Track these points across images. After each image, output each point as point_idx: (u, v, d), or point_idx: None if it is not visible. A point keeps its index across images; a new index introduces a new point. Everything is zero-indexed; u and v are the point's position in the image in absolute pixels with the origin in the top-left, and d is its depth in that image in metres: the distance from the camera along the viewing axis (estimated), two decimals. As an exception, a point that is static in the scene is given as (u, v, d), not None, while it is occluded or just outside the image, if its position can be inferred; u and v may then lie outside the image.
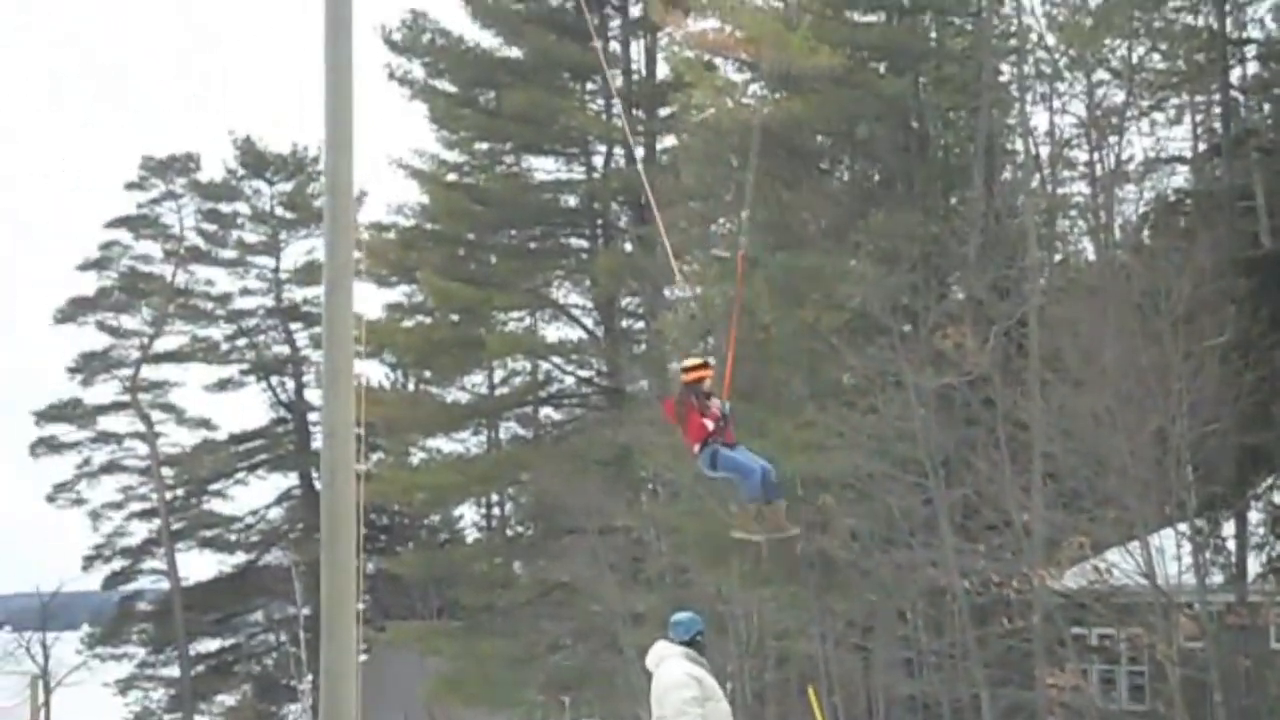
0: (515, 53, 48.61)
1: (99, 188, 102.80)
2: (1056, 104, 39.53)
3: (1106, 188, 39.66)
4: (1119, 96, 39.38)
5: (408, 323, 52.65)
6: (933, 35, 41.09)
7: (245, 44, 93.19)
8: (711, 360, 15.13)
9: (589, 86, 49.71)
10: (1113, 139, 39.40)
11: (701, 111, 41.24)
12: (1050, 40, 39.46)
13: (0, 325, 76.03)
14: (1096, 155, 39.94)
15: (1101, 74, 39.28)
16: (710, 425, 14.03)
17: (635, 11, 47.92)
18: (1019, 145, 39.56)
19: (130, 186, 69.30)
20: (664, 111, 48.04)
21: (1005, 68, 39.98)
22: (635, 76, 48.96)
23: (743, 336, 39.70)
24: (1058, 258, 41.06)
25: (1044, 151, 39.87)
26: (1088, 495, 31.83)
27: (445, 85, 49.89)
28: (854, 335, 36.46)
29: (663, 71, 47.96)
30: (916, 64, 39.93)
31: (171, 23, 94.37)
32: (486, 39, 49.01)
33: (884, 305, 35.25)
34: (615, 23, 49.13)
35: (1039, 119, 39.73)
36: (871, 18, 41.36)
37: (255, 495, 70.27)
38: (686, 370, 14.49)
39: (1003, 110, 39.87)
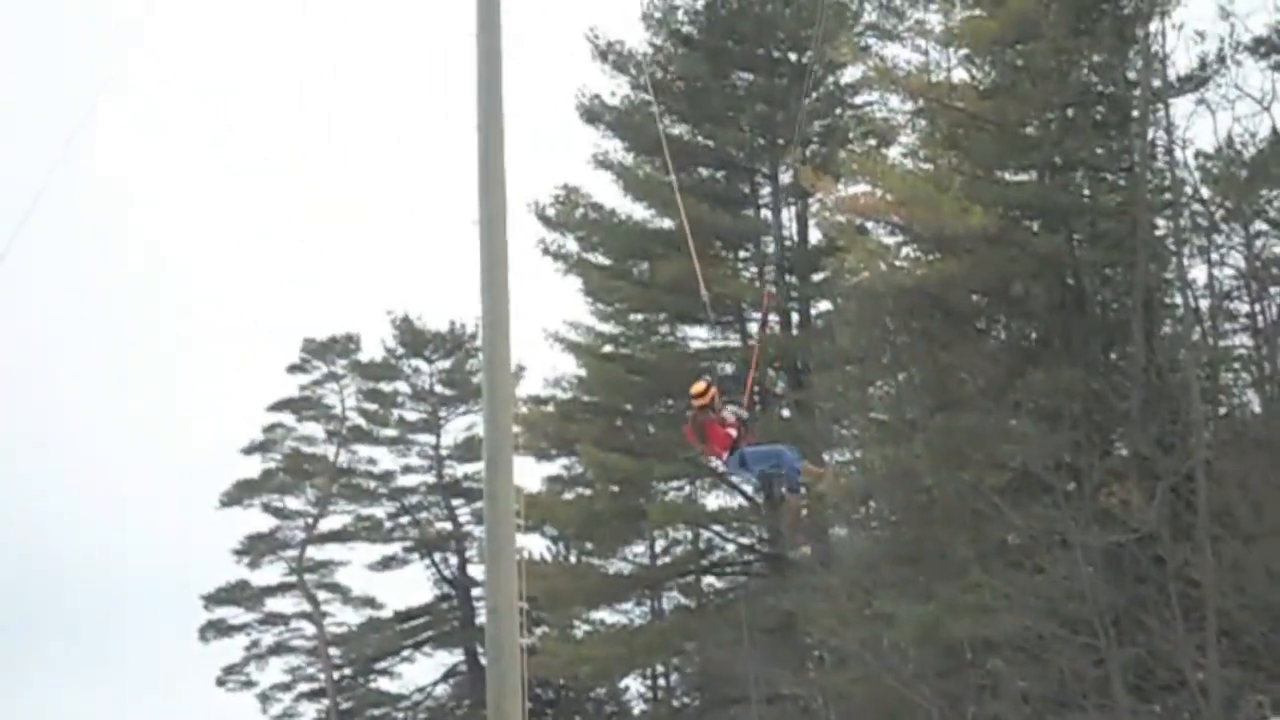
0: (667, 224, 49.11)
1: (261, 370, 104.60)
2: (1215, 256, 39.08)
3: (1270, 339, 39.00)
4: (1278, 247, 38.90)
5: (568, 495, 52.85)
6: (1085, 192, 40.88)
7: (400, 222, 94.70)
8: (710, 379, 16.75)
9: (741, 254, 50.07)
10: (1274, 289, 38.82)
11: (855, 275, 41.33)
12: (1205, 193, 39.12)
13: (167, 510, 77.19)
14: (1258, 306, 39.35)
15: (1259, 224, 38.85)
16: (733, 433, 15.68)
17: (785, 179, 48.28)
18: (1178, 299, 39.08)
19: (292, 369, 70.71)
20: (817, 276, 48.19)
21: (1161, 222, 39.63)
22: (788, 243, 49.21)
23: (905, 500, 39.61)
24: (1222, 411, 40.31)
25: (1203, 304, 39.35)
26: (1265, 652, 30.98)
27: (599, 258, 50.46)
28: (1017, 495, 36.00)
29: (815, 237, 48.22)
30: (1070, 221, 39.74)
31: (323, 201, 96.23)
32: (638, 211, 49.64)
33: (1047, 464, 34.83)
34: (765, 190, 49.56)
35: (1197, 272, 39.30)
36: (1023, 176, 41.29)
37: (421, 673, 70.47)
38: (696, 395, 16.14)
39: (1160, 264, 39.45)
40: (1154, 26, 39.03)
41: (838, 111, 49.06)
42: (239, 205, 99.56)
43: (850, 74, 47.74)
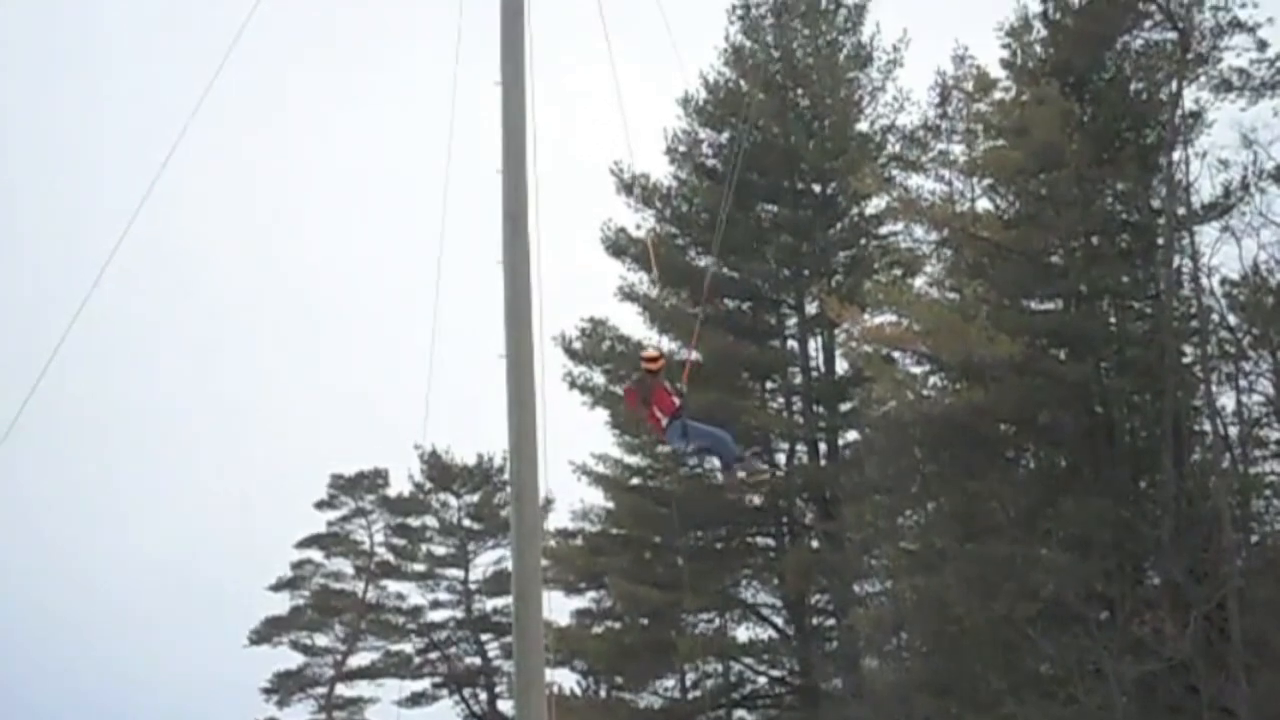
0: (693, 355, 49.15)
1: (289, 506, 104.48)
2: (1243, 383, 39.08)
3: (1300, 466, 38.92)
4: (1306, 373, 38.86)
5: (597, 629, 52.52)
6: (1112, 320, 40.96)
7: (427, 356, 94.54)
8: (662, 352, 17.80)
9: (769, 385, 50.12)
10: (1303, 416, 38.76)
11: (883, 405, 41.33)
12: (1232, 320, 39.18)
13: (195, 648, 76.88)
14: (1287, 433, 39.26)
15: (1287, 351, 38.83)
16: (677, 401, 16.73)
17: (812, 309, 48.42)
18: (1207, 426, 39.00)
19: (321, 505, 70.66)
20: (845, 407, 48.17)
21: (1188, 349, 39.64)
22: (815, 373, 49.26)
23: (936, 630, 39.30)
24: (1254, 538, 40.05)
25: (1233, 431, 39.26)
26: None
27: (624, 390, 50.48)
28: (1049, 625, 35.71)
29: (842, 367, 48.25)
30: (1097, 349, 39.77)
31: (350, 336, 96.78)
32: (664, 344, 49.73)
33: (1078, 593, 34.61)
34: (792, 321, 49.68)
35: (1226, 399, 39.26)
36: (1049, 305, 41.40)
37: (452, 808, 69.63)
38: (649, 360, 17.18)
39: (1188, 392, 39.38)
40: (1177, 155, 39.34)
41: (863, 242, 49.29)
42: (267, 340, 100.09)
43: (875, 204, 48.00)
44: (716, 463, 18.10)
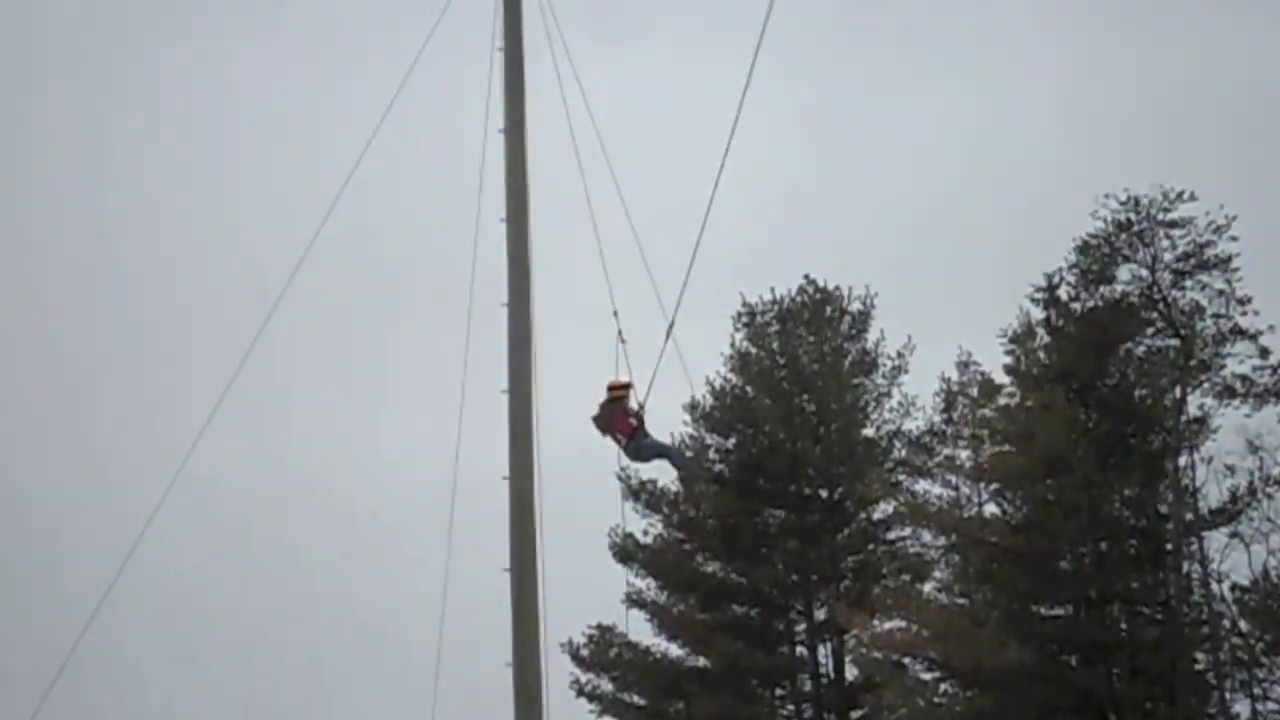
0: (702, 662, 48.69)
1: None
2: (1257, 690, 38.59)
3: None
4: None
5: None
6: (1123, 626, 40.66)
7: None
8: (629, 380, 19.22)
9: (778, 692, 49.49)
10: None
11: (894, 712, 40.82)
12: (1244, 627, 38.86)
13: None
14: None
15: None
16: (634, 423, 18.78)
17: (820, 615, 48.08)
18: (1222, 734, 38.44)
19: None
20: (855, 714, 47.49)
21: (1200, 656, 39.27)
22: (824, 680, 48.68)
23: None
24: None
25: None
26: None
27: (635, 698, 49.89)
28: None
29: (851, 673, 47.69)
30: (1109, 656, 39.40)
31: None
32: (673, 650, 49.30)
33: None
34: (801, 627, 49.28)
35: (1240, 707, 38.78)
36: (1059, 611, 41.13)
37: None
38: (614, 389, 18.96)
39: (1201, 700, 38.90)
40: (1183, 460, 39.54)
41: (871, 547, 49.14)
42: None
43: (882, 509, 48.01)
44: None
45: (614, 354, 18.98)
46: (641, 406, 18.93)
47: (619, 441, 19.10)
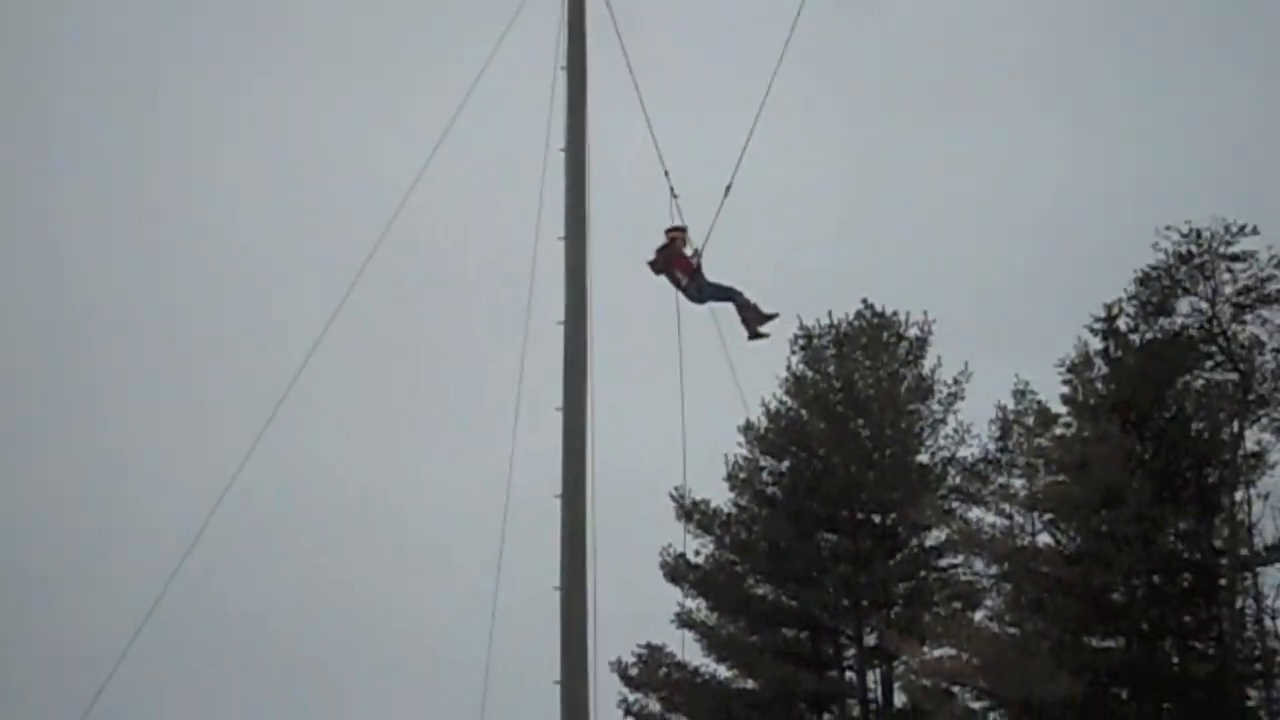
0: (751, 684, 48.65)
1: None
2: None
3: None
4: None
5: None
6: (1175, 660, 40.40)
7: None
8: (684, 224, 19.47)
9: (826, 717, 49.39)
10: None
11: (942, 741, 40.68)
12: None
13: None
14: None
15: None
16: (696, 263, 18.89)
17: (870, 640, 47.95)
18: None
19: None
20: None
21: (1252, 692, 39.02)
22: (873, 706, 48.54)
23: None
24: None
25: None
26: None
27: (682, 718, 49.86)
28: None
29: (900, 700, 47.54)
30: (1160, 690, 39.18)
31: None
32: (722, 672, 49.27)
33: None
34: (850, 652, 49.16)
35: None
36: (1110, 643, 40.91)
37: None
38: (671, 231, 19.14)
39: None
40: (1239, 495, 39.31)
41: (922, 574, 48.99)
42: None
43: (935, 536, 47.87)
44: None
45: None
46: (698, 253, 19.00)
47: (678, 283, 19.17)
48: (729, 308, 19.32)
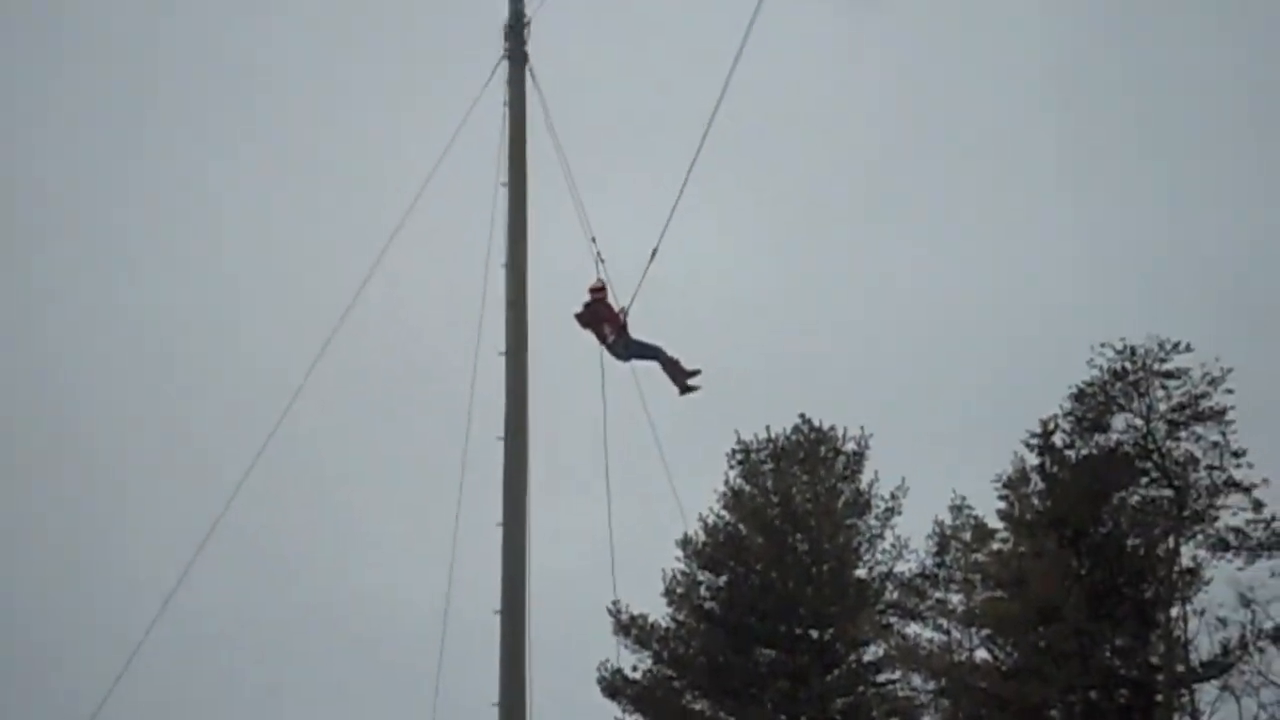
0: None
1: None
2: None
3: None
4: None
5: None
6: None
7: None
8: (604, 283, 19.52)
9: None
10: None
11: None
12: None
13: None
14: None
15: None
16: (624, 319, 18.97)
17: None
18: None
19: None
20: None
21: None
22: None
23: None
24: None
25: None
26: None
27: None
28: None
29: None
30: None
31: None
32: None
33: None
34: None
35: None
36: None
37: None
38: (594, 290, 19.23)
39: None
40: (1175, 611, 39.42)
41: (860, 689, 48.79)
42: None
43: (873, 651, 47.74)
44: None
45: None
46: (624, 310, 19.03)
47: (604, 339, 19.20)
48: (657, 374, 19.46)
